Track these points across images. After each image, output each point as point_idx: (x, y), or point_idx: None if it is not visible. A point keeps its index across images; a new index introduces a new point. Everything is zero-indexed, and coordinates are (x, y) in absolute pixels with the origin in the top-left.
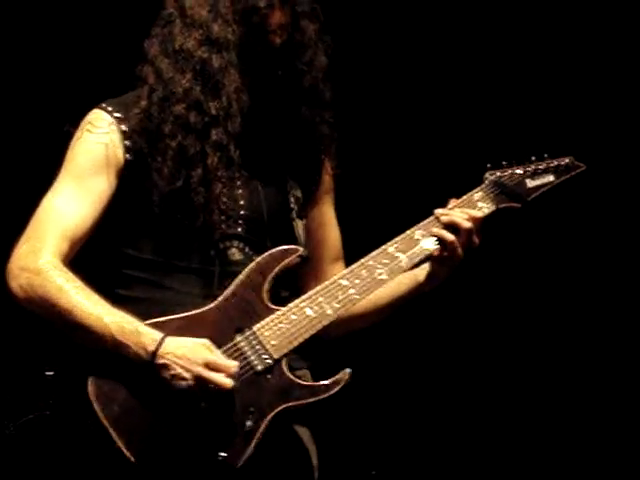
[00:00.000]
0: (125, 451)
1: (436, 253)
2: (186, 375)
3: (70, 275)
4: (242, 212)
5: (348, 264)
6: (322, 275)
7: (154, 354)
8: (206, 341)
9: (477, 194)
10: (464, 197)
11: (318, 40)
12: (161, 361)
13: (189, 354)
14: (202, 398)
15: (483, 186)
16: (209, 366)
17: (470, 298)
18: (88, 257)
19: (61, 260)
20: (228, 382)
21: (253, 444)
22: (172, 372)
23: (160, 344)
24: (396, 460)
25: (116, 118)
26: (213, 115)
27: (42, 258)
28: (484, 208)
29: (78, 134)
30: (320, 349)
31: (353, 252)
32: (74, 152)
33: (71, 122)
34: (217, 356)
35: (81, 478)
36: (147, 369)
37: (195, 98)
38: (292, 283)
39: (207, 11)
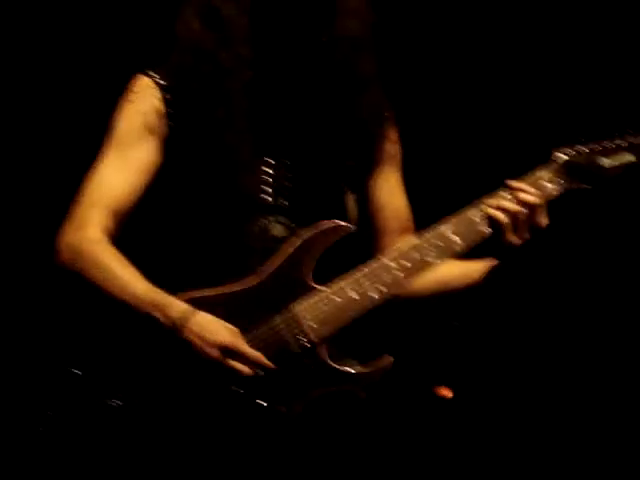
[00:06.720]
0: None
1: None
2: (209, 355)
3: (109, 247)
4: (276, 183)
5: None
6: (387, 248)
7: (180, 328)
8: (234, 328)
9: (543, 173)
10: (528, 177)
11: (351, 11)
12: (186, 336)
13: (210, 336)
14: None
15: (550, 164)
16: (229, 352)
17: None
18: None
19: (105, 233)
20: (247, 370)
21: (287, 429)
22: (195, 350)
23: (187, 319)
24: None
25: (159, 84)
26: (223, 66)
27: (85, 233)
28: (552, 190)
29: (120, 103)
30: (366, 331)
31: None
32: (115, 121)
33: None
34: (240, 343)
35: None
36: (176, 342)
37: (205, 48)
38: (339, 260)
39: None
